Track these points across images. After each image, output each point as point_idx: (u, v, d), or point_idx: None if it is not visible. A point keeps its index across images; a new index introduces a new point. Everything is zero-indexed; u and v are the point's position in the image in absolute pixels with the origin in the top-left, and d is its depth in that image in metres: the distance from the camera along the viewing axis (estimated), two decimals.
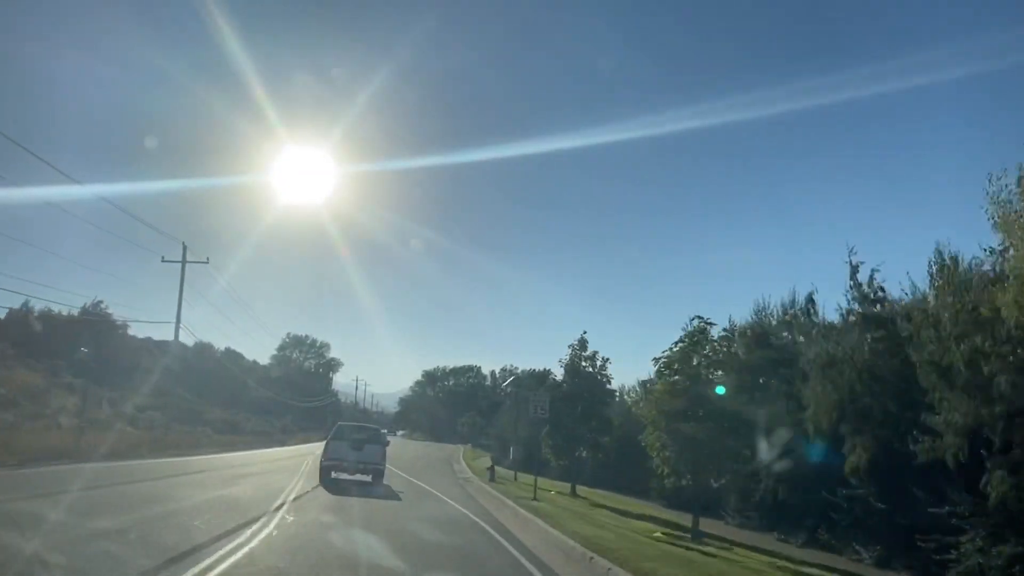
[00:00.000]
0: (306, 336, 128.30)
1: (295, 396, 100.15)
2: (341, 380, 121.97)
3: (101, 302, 54.26)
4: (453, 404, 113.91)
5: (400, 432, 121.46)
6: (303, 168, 58.93)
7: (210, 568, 8.88)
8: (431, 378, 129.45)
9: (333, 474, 22.51)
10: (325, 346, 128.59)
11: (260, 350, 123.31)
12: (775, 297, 38.58)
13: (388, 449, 25.14)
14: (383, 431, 27.62)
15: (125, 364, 48.53)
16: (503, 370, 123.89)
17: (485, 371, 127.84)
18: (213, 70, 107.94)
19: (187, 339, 51.48)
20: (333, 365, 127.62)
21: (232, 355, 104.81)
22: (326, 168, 67.59)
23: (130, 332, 59.94)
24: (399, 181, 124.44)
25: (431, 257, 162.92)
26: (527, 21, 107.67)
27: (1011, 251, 15.64)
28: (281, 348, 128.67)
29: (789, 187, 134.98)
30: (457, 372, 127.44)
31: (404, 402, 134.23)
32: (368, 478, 22.62)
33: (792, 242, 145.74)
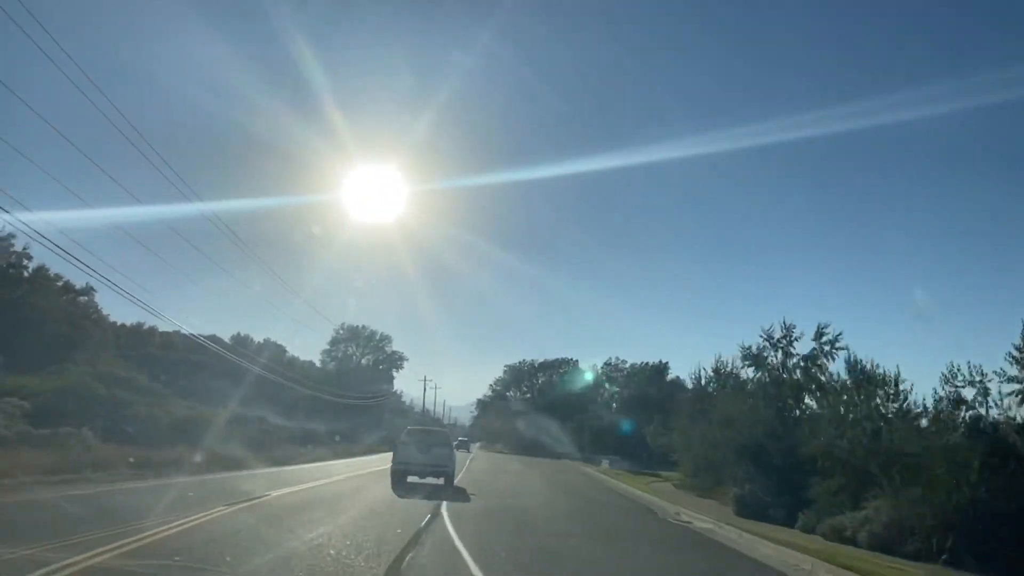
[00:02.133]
0: (362, 327, 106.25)
1: (349, 395, 78.10)
2: (408, 388, 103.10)
3: None
4: (547, 407, 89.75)
5: (477, 444, 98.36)
6: (372, 186, 58.86)
7: None
8: (516, 375, 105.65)
9: (408, 479, 22.96)
10: (386, 339, 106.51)
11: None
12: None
13: (477, 479, 26.58)
14: (463, 438, 33.92)
15: None
16: (607, 364, 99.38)
17: (584, 364, 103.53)
18: (288, 90, 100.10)
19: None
20: (395, 360, 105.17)
21: (272, 347, 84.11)
22: (394, 186, 68.13)
23: None
24: (465, 198, 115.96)
25: (498, 272, 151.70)
26: (581, 40, 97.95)
27: None
28: (334, 342, 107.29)
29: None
30: (549, 367, 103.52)
31: (482, 405, 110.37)
32: (440, 481, 23.02)
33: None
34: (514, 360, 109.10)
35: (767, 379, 24.61)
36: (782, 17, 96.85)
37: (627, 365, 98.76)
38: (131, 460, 21.75)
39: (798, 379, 23.78)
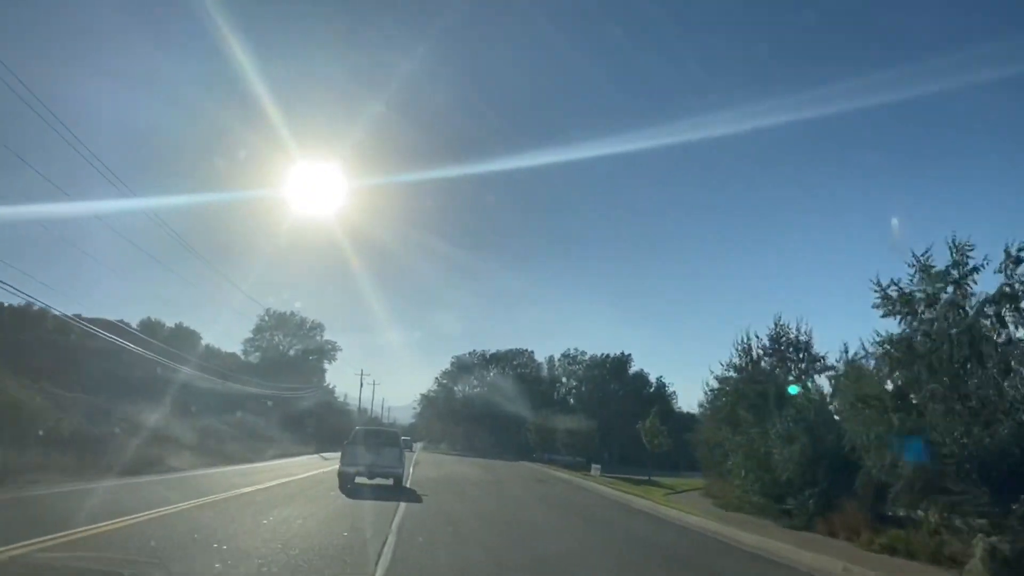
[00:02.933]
0: (291, 313, 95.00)
1: (272, 385, 68.10)
2: (344, 385, 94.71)
3: None
4: (500, 402, 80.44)
5: (419, 444, 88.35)
6: (314, 182, 58.00)
7: None
8: (465, 367, 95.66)
9: (356, 480, 22.54)
10: (317, 327, 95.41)
11: None
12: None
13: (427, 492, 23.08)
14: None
15: None
16: (565, 356, 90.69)
17: (540, 356, 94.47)
18: (222, 85, 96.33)
19: None
20: (327, 351, 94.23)
21: (184, 333, 73.41)
22: (337, 181, 67.22)
23: None
24: (408, 193, 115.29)
25: (444, 268, 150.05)
26: (523, 35, 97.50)
27: None
28: (258, 330, 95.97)
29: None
30: (501, 359, 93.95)
31: (426, 401, 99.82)
32: (389, 482, 23.09)
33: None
34: (463, 351, 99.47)
35: (938, 326, 14.94)
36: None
37: (586, 357, 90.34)
38: None
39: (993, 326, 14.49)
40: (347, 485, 21.93)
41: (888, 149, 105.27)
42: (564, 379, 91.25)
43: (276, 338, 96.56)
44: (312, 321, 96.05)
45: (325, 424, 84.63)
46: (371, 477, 23.11)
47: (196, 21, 79.68)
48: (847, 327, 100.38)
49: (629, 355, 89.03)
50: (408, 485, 25.14)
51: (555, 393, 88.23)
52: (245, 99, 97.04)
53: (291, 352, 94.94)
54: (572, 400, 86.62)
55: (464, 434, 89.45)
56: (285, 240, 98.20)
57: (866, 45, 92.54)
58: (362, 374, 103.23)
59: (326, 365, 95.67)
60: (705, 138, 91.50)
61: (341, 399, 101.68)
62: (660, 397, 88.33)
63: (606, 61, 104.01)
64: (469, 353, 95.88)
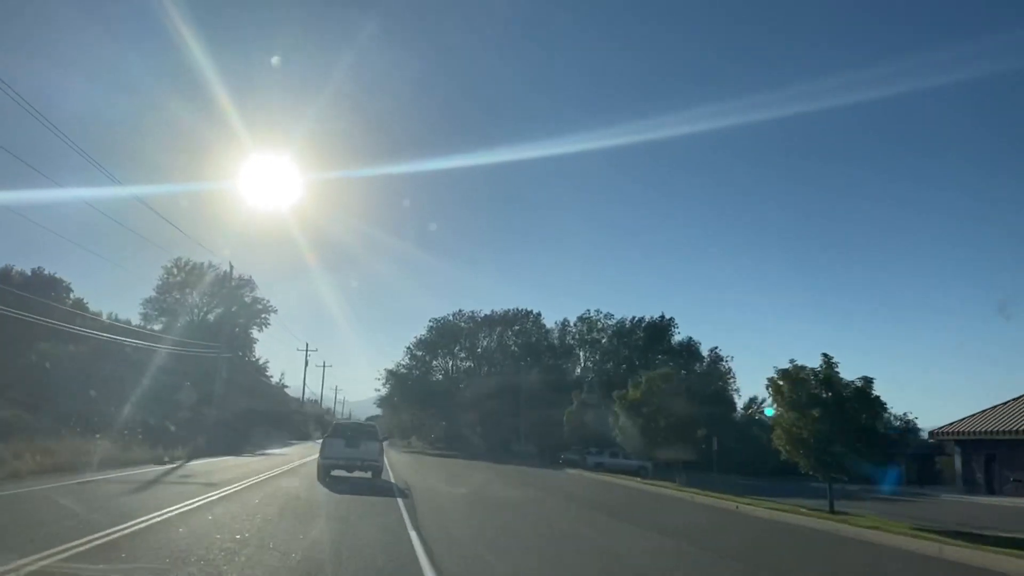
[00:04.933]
0: (207, 264, 70.09)
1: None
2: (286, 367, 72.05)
3: None
4: (497, 382, 56.91)
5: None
6: (268, 174, 50.76)
7: None
8: (444, 335, 71.26)
9: (333, 472, 23.25)
10: (246, 284, 70.63)
11: None
12: None
13: None
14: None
15: None
16: (584, 320, 67.36)
17: (549, 321, 71.01)
18: (176, 76, 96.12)
19: None
20: (258, 313, 69.74)
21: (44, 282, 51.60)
22: (291, 174, 64.84)
23: None
24: (367, 188, 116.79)
25: (400, 265, 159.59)
26: (475, 30, 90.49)
27: None
28: (164, 288, 71.59)
29: None
30: (497, 323, 70.02)
31: (393, 380, 74.43)
32: (368, 475, 23.78)
33: None
34: (442, 311, 75.22)
35: None
36: None
37: (612, 321, 67.29)
38: None
39: None
40: (325, 478, 22.37)
41: None
42: (579, 351, 68.11)
43: (190, 298, 72.01)
44: (240, 277, 71.52)
45: (257, 412, 60.91)
46: (350, 471, 23.61)
47: (148, 12, 78.03)
48: None
49: (671, 319, 66.36)
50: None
51: (573, 368, 65.26)
52: (197, 89, 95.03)
53: (210, 317, 70.44)
54: (591, 376, 63.78)
55: (448, 427, 65.84)
56: (236, 233, 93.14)
57: None
58: (307, 348, 79.27)
59: (255, 333, 71.41)
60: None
61: (278, 379, 77.71)
62: (714, 374, 65.88)
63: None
64: (454, 315, 72.16)
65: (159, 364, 44.73)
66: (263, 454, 38.09)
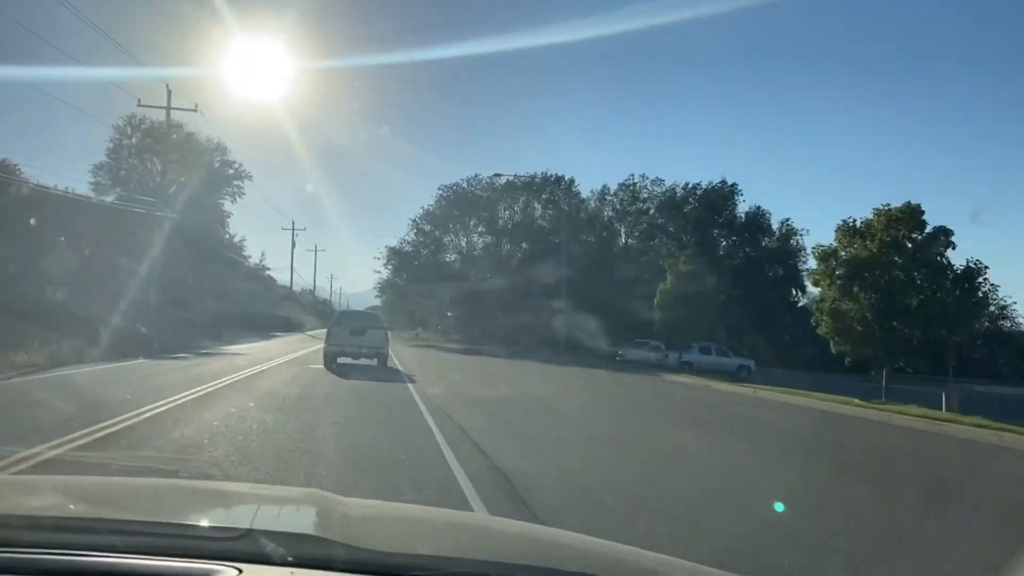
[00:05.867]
0: (172, 123, 57.24)
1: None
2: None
3: None
4: (525, 260, 45.77)
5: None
6: (255, 60, 51.89)
7: None
8: (459, 204, 59.18)
9: (339, 360, 23.46)
10: (217, 148, 58.09)
11: None
12: None
13: None
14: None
15: None
16: (626, 187, 55.54)
17: (584, 189, 59.20)
18: None
19: None
20: (230, 181, 57.84)
21: None
22: (280, 61, 62.78)
23: None
24: (363, 78, 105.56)
25: (396, 158, 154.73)
26: None
27: None
28: (117, 152, 59.65)
29: None
30: (523, 189, 57.78)
31: (396, 259, 61.06)
32: (373, 362, 23.82)
33: None
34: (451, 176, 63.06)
35: None
36: None
37: (661, 186, 55.35)
38: None
39: None
40: (332, 365, 22.63)
41: None
42: (619, 225, 56.41)
43: (149, 164, 59.72)
44: (208, 139, 58.85)
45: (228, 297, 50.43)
46: (356, 357, 23.71)
47: None
48: None
49: (734, 185, 54.47)
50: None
51: (614, 241, 53.88)
52: None
53: (172, 187, 58.46)
54: (634, 252, 52.57)
55: (463, 316, 54.73)
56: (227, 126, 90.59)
57: None
58: (293, 227, 68.03)
59: (228, 205, 59.55)
60: None
61: (257, 262, 66.69)
62: (786, 252, 54.90)
63: None
64: (468, 181, 59.90)
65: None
66: (209, 353, 26.75)
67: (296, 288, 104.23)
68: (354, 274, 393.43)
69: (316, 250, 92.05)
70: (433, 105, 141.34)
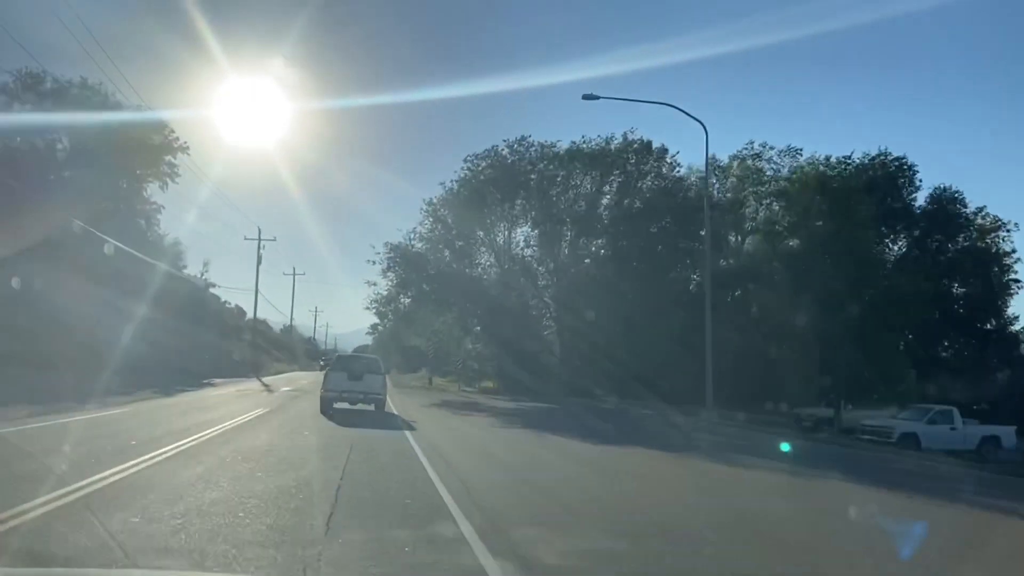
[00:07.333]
0: (83, 81, 39.30)
1: None
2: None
3: None
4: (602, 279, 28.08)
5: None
6: (245, 100, 58.42)
7: None
8: (499, 181, 40.42)
9: (335, 405, 23.03)
10: (142, 107, 39.95)
11: None
12: None
13: None
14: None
15: None
16: (741, 157, 38.36)
17: (686, 161, 42.04)
18: None
19: None
20: (161, 161, 39.84)
21: None
22: (273, 101, 65.79)
23: None
24: (353, 119, 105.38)
25: (386, 197, 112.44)
26: None
27: None
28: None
29: None
30: (584, 160, 39.63)
31: (399, 261, 39.59)
32: (371, 407, 23.41)
33: None
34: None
35: None
36: None
37: (800, 159, 37.84)
38: None
39: None
40: (328, 411, 22.14)
41: None
42: (743, 209, 38.60)
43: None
44: (138, 102, 40.82)
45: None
46: (352, 403, 23.24)
47: None
48: None
49: (903, 161, 36.88)
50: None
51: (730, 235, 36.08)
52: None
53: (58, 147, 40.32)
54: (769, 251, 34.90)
55: (505, 355, 34.99)
56: (220, 167, 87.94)
57: None
58: (259, 238, 50.76)
59: (159, 188, 41.53)
60: None
61: (200, 275, 48.86)
62: (981, 255, 37.69)
63: None
64: (510, 147, 40.77)
65: None
66: None
67: (275, 325, 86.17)
68: (342, 316, 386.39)
69: (294, 274, 74.40)
70: (432, 144, 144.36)
